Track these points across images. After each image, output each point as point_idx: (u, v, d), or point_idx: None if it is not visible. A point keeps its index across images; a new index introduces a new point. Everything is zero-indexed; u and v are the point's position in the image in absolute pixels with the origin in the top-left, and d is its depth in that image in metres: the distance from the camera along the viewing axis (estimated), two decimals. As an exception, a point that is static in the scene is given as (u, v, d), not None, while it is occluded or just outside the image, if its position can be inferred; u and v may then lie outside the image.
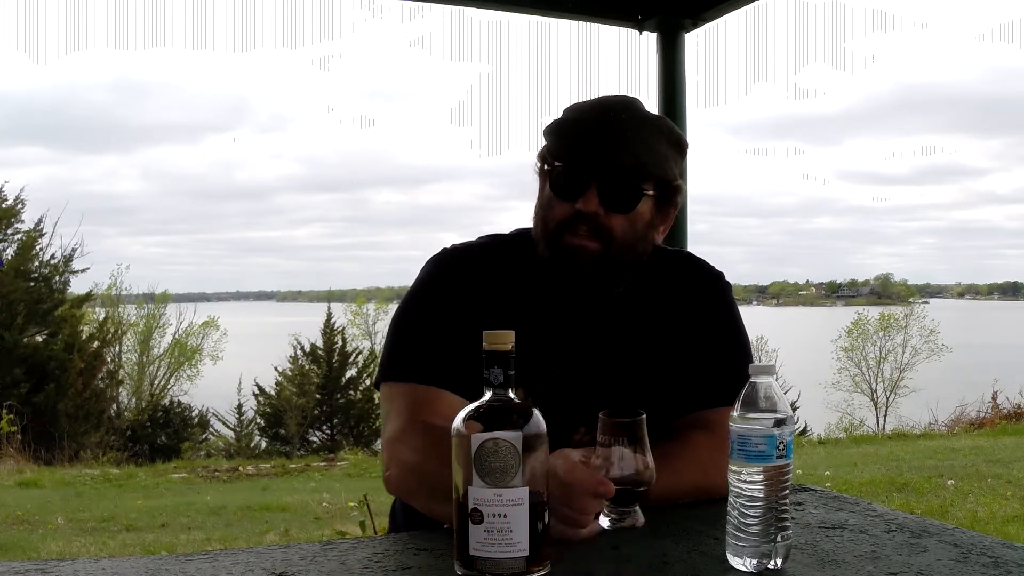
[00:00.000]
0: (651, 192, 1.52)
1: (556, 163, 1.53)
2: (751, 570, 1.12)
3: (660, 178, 1.52)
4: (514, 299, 1.55)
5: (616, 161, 1.48)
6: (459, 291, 1.57)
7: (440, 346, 1.51)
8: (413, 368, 1.52)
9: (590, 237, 1.49)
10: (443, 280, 1.60)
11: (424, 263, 1.64)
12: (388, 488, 1.53)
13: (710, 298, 1.66)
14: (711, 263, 1.73)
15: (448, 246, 1.66)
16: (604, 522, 1.31)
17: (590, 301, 1.59)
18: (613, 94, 1.58)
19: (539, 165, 1.59)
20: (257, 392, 18.18)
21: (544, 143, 1.57)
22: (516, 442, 1.06)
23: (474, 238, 1.70)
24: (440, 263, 1.63)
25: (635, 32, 2.86)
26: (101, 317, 17.89)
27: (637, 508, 1.33)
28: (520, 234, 1.65)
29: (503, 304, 1.51)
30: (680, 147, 1.57)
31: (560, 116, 1.58)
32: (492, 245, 1.66)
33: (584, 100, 1.58)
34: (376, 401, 17.79)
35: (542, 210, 1.55)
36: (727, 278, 1.71)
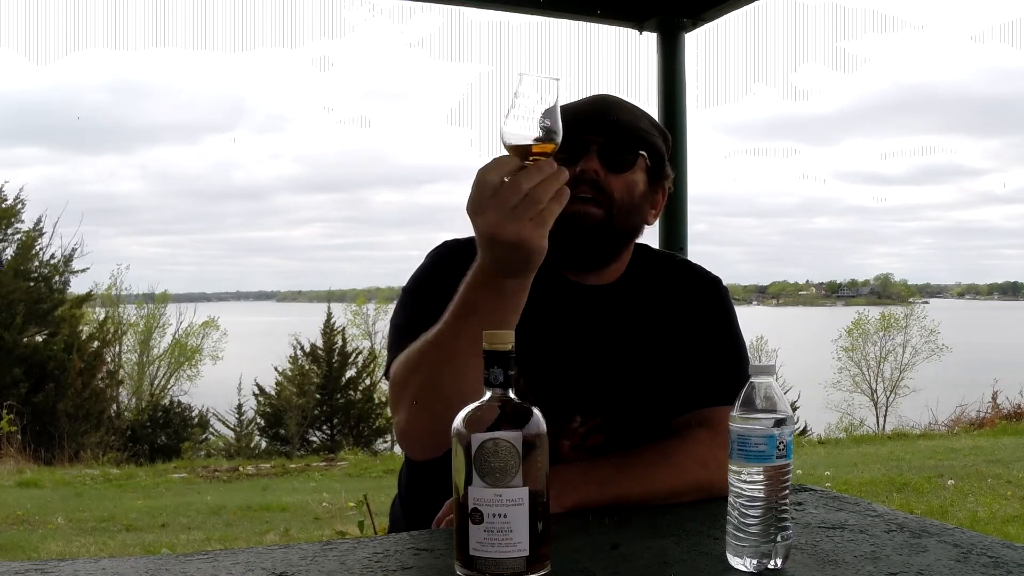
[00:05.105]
0: (645, 156, 1.58)
1: None
2: (751, 570, 1.12)
3: (653, 146, 1.59)
4: None
5: (614, 123, 1.56)
6: (458, 281, 1.58)
7: None
8: None
9: (591, 200, 1.52)
10: (443, 270, 1.60)
11: (425, 256, 1.66)
12: (401, 433, 1.48)
13: (709, 302, 1.68)
14: (708, 268, 1.75)
15: (448, 239, 1.68)
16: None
17: (585, 292, 1.61)
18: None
19: None
20: (257, 392, 18.16)
21: None
22: (516, 442, 1.06)
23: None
24: (440, 254, 1.65)
25: (635, 32, 2.87)
26: (101, 317, 17.87)
27: None
28: None
29: None
30: (664, 136, 1.64)
31: None
32: None
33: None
34: (376, 401, 17.78)
35: None
36: (724, 281, 1.74)
